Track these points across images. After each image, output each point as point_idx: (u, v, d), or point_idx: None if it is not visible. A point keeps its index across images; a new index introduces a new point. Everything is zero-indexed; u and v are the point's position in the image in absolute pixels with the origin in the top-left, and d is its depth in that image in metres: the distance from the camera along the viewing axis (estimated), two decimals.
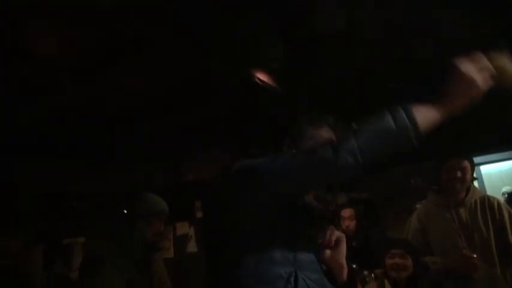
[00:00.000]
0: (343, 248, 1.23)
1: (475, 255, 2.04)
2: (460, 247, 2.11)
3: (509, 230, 2.15)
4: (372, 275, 3.17)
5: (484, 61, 1.06)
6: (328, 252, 1.22)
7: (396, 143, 1.06)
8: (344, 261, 1.24)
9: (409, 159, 3.69)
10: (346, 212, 3.26)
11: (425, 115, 1.06)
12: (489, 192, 4.63)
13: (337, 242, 1.22)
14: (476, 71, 1.05)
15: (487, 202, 2.24)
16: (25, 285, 4.01)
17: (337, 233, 1.23)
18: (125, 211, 2.01)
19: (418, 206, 3.38)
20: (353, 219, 3.23)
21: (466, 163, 2.23)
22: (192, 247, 4.85)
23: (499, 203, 2.25)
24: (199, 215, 4.82)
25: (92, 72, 2.85)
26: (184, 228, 4.94)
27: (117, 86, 3.11)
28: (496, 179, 5.32)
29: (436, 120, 1.09)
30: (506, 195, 5.16)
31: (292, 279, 1.09)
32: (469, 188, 2.29)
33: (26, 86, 2.96)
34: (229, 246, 1.17)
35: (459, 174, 2.20)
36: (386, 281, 2.21)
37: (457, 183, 2.21)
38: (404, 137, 1.03)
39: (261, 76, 2.92)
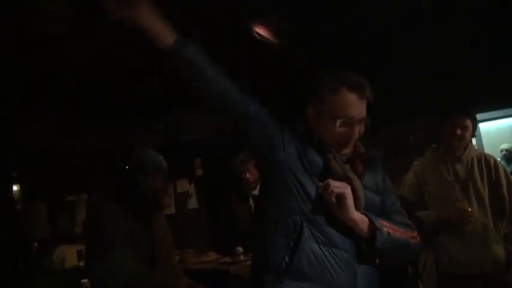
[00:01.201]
0: (349, 201, 1.18)
1: (469, 208, 2.08)
2: (455, 200, 2.14)
3: (504, 184, 2.18)
4: None
5: None
6: (335, 210, 1.19)
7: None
8: (355, 215, 1.19)
9: (409, 113, 3.67)
10: None
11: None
12: (487, 149, 4.65)
13: (339, 197, 1.17)
14: None
15: (483, 159, 2.25)
16: (31, 239, 4.13)
17: (337, 189, 1.17)
18: (126, 167, 2.03)
19: (415, 162, 3.42)
20: None
21: (468, 121, 2.22)
22: (192, 204, 4.94)
23: (495, 161, 2.27)
24: (199, 172, 4.87)
25: (92, 23, 2.78)
26: (184, 185, 5.02)
27: (116, 38, 3.04)
28: (494, 137, 5.32)
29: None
30: (504, 152, 5.19)
31: (297, 228, 1.18)
32: (466, 145, 2.29)
33: (25, 40, 2.90)
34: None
35: (459, 131, 2.20)
36: None
37: (455, 140, 2.21)
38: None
39: (260, 30, 2.85)
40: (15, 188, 4.20)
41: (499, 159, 3.87)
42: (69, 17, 2.67)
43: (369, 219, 1.21)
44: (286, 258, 1.17)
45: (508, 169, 3.44)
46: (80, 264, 4.08)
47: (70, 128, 4.60)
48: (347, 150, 1.32)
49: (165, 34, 1.14)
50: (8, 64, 3.24)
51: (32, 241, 4.33)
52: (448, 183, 2.21)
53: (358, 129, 1.29)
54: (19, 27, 2.71)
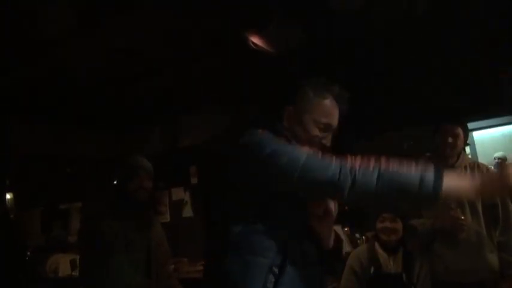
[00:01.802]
0: (331, 218, 1.25)
1: (462, 217, 2.09)
2: (448, 208, 2.15)
3: None
4: (363, 237, 3.26)
5: None
6: (317, 221, 1.23)
7: (411, 202, 1.14)
8: (331, 230, 1.27)
9: (403, 124, 3.70)
10: None
11: (451, 189, 1.04)
12: (481, 158, 4.68)
13: (326, 212, 1.23)
14: None
15: (476, 168, 2.27)
16: (24, 247, 4.10)
17: (326, 205, 1.23)
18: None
19: None
20: None
21: (459, 130, 2.25)
22: (187, 212, 4.92)
23: (488, 169, 2.30)
24: (194, 180, 4.86)
25: (82, 32, 2.80)
26: (179, 193, 4.99)
27: (109, 46, 3.06)
28: (488, 146, 5.36)
29: (461, 196, 1.18)
30: (497, 161, 5.23)
31: (281, 249, 1.13)
32: (459, 154, 2.31)
33: (20, 47, 2.91)
34: (222, 215, 1.22)
35: (450, 139, 2.22)
36: (376, 243, 2.27)
37: (447, 148, 2.24)
38: (421, 201, 1.08)
39: (255, 40, 2.87)
40: (8, 196, 4.17)
41: (492, 168, 3.91)
42: (67, 24, 2.69)
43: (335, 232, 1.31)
44: (269, 284, 1.08)
45: None
46: (73, 273, 4.05)
47: (64, 136, 4.58)
48: None
49: None
50: (3, 71, 3.24)
51: (26, 249, 4.29)
52: None
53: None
54: (16, 33, 2.72)
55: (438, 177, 1.01)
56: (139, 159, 2.12)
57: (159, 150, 4.99)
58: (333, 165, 1.05)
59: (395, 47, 3.33)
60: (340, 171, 1.04)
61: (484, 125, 4.23)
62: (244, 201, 1.17)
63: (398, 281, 2.15)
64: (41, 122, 4.38)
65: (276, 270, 1.10)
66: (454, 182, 1.05)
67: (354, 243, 3.22)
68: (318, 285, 1.22)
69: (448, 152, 2.24)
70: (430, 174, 1.02)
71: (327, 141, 1.32)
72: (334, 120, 1.33)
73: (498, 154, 5.29)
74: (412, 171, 1.05)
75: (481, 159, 4.51)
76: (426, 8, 2.78)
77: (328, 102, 1.31)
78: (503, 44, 3.24)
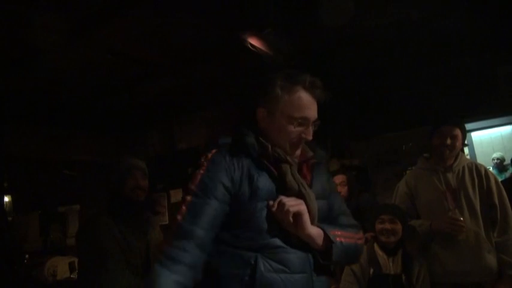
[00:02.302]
0: (305, 219, 1.17)
1: (461, 218, 2.09)
2: (446, 210, 2.15)
3: (495, 193, 2.19)
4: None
5: None
6: (291, 228, 1.18)
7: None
8: (312, 231, 1.19)
9: (402, 125, 3.71)
10: (338, 179, 3.30)
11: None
12: (480, 158, 4.70)
13: (296, 216, 1.16)
14: None
15: (474, 168, 2.27)
16: (22, 250, 4.08)
17: (293, 208, 1.16)
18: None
19: (408, 171, 3.44)
20: (345, 186, 3.26)
21: (457, 131, 2.24)
22: None
23: (486, 170, 2.28)
24: None
25: (81, 35, 2.79)
26: (178, 195, 4.99)
27: (111, 50, 3.06)
28: (486, 146, 5.38)
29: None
30: (496, 161, 5.24)
31: (252, 261, 1.13)
32: (458, 154, 2.31)
33: (18, 52, 2.91)
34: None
35: (449, 141, 2.22)
36: (376, 244, 2.27)
37: (445, 150, 2.23)
38: None
39: (253, 41, 2.87)
40: (6, 199, 4.16)
41: (490, 168, 3.91)
42: (63, 29, 2.69)
43: (324, 232, 1.21)
44: None
45: (500, 178, 3.48)
46: (72, 276, 4.03)
47: (63, 139, 4.57)
48: (298, 152, 1.28)
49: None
50: (1, 75, 3.23)
51: (24, 253, 4.28)
52: (440, 192, 2.22)
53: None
54: (13, 39, 2.72)
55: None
56: (131, 159, 2.10)
57: (157, 153, 4.99)
58: None
59: (393, 49, 3.34)
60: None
61: (483, 126, 4.25)
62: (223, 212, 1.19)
63: (398, 282, 2.14)
64: (40, 126, 4.37)
65: (246, 279, 1.11)
66: None
67: None
68: None
69: (446, 153, 2.24)
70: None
71: (307, 135, 1.26)
72: (310, 112, 1.26)
73: (496, 154, 5.31)
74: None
75: (480, 160, 4.53)
76: (420, 13, 2.80)
77: (299, 96, 1.24)
78: (500, 45, 3.25)
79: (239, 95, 3.33)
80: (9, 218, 4.12)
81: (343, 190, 3.26)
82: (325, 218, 1.28)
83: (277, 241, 1.17)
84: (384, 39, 3.16)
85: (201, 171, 1.21)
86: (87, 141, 4.86)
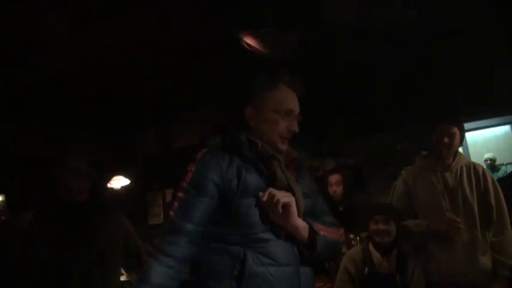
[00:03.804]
0: (293, 210, 1.23)
1: (458, 219, 2.09)
2: (444, 210, 2.16)
3: (492, 193, 2.19)
4: (357, 238, 3.26)
5: None
6: (279, 219, 1.22)
7: None
8: (298, 222, 1.24)
9: (397, 124, 3.72)
10: (334, 178, 3.30)
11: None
12: (473, 158, 4.72)
13: (284, 207, 1.21)
14: None
15: (472, 168, 2.27)
16: (16, 249, 4.04)
17: (283, 198, 1.21)
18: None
19: (403, 171, 3.44)
20: (340, 185, 3.27)
21: (455, 129, 2.24)
22: None
23: (483, 170, 2.28)
24: None
25: (76, 33, 2.78)
26: None
27: (103, 48, 3.04)
28: (480, 147, 5.41)
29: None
30: (488, 161, 5.28)
31: (241, 256, 1.18)
32: (456, 154, 2.32)
33: (12, 48, 2.89)
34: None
35: (446, 139, 2.22)
36: (370, 244, 2.28)
37: (443, 148, 2.23)
38: None
39: (249, 40, 2.87)
40: (0, 197, 4.12)
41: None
42: (60, 26, 2.67)
43: (309, 225, 1.28)
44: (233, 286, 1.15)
45: None
46: None
47: (58, 137, 4.54)
48: (285, 147, 1.36)
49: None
50: None
51: (18, 252, 4.24)
52: (438, 191, 2.22)
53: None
54: (9, 34, 2.70)
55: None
56: (71, 159, 2.03)
57: (153, 152, 4.98)
58: None
59: (389, 48, 3.35)
60: None
61: (477, 126, 4.28)
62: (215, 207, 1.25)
63: (392, 281, 2.15)
64: (34, 124, 4.34)
65: (236, 273, 1.16)
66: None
67: (349, 244, 3.22)
68: (295, 283, 1.23)
69: (444, 152, 2.24)
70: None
71: (294, 127, 1.36)
72: (294, 104, 1.37)
73: (488, 155, 5.35)
74: None
75: (473, 160, 4.55)
76: (417, 13, 2.81)
77: (281, 90, 1.36)
78: (496, 45, 3.26)
79: (228, 96, 3.34)
80: (3, 218, 4.09)
81: (338, 189, 3.26)
82: (309, 216, 1.33)
83: (265, 235, 1.22)
84: (380, 39, 3.17)
85: (192, 169, 1.30)
86: (82, 139, 4.83)
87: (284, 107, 1.34)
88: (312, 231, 1.26)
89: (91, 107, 4.23)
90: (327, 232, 1.31)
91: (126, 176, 4.79)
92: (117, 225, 2.11)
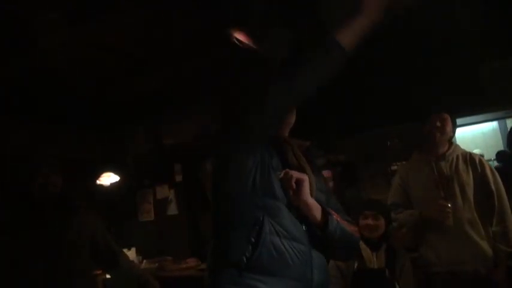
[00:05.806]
0: (306, 187, 1.26)
1: (449, 205, 2.11)
2: (438, 197, 2.17)
3: (491, 180, 2.21)
4: None
5: None
6: (292, 194, 1.25)
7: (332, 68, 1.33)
8: (309, 200, 1.27)
9: (387, 121, 3.74)
10: (324, 174, 3.32)
11: (349, 36, 1.31)
12: None
13: (298, 183, 1.25)
14: None
15: (468, 157, 2.29)
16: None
17: (296, 175, 1.25)
18: None
19: (393, 167, 3.47)
20: (330, 181, 3.30)
21: (446, 115, 2.29)
22: (172, 210, 4.88)
23: (480, 158, 2.30)
24: (178, 178, 4.83)
25: (67, 29, 2.75)
26: (164, 191, 4.96)
27: (94, 44, 3.02)
28: (469, 143, 5.47)
29: (359, 34, 1.34)
30: None
31: (258, 222, 1.20)
32: (450, 143, 2.34)
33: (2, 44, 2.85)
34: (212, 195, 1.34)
35: (438, 123, 2.26)
36: (360, 239, 2.30)
37: (436, 133, 2.26)
38: (339, 62, 1.31)
39: (240, 37, 2.86)
40: None
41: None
42: (50, 22, 2.64)
43: (321, 206, 1.30)
44: (247, 253, 1.17)
45: None
46: None
47: (48, 135, 4.49)
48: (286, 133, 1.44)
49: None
50: None
51: None
52: (432, 180, 2.25)
53: None
54: None
55: (333, 41, 1.28)
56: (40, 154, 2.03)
57: (143, 149, 4.95)
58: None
59: (377, 47, 3.36)
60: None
61: (465, 122, 4.32)
62: (225, 191, 1.29)
63: (382, 276, 2.17)
64: (24, 121, 4.28)
65: (253, 240, 1.18)
66: (345, 31, 1.30)
67: None
68: (307, 263, 1.23)
69: (437, 136, 2.27)
70: (326, 44, 1.29)
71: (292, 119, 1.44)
72: None
73: (476, 151, 5.39)
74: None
75: None
76: (404, 10, 2.81)
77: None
78: (483, 42, 3.30)
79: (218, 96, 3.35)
80: None
81: (329, 185, 3.29)
82: None
83: (282, 206, 1.24)
84: (369, 37, 3.18)
85: None
86: (71, 137, 4.78)
87: None
88: (325, 213, 1.28)
89: (80, 104, 4.18)
90: (340, 219, 1.33)
91: (116, 173, 4.76)
92: (84, 225, 2.06)
